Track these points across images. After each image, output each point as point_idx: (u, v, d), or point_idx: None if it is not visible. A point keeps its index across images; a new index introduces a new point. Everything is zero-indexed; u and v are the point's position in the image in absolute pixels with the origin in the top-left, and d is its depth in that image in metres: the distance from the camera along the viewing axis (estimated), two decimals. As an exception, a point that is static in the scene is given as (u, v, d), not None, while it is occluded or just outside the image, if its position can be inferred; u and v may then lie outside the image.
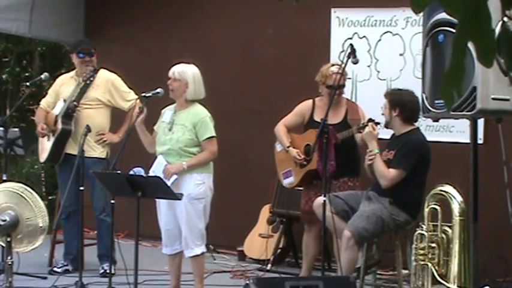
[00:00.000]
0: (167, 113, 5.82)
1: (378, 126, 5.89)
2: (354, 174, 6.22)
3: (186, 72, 5.74)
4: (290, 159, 6.37)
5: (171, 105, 5.86)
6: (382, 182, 5.71)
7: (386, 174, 5.69)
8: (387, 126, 5.90)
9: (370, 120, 5.87)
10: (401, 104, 5.75)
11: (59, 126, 6.59)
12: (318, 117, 6.23)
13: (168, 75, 5.76)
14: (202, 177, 5.69)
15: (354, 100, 6.87)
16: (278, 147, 6.53)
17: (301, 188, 6.46)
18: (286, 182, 6.49)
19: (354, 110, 6.29)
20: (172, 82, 5.74)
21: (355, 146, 6.17)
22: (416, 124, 5.86)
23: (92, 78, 6.65)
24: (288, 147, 6.34)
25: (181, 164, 5.63)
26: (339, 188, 6.07)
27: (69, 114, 6.61)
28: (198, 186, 5.67)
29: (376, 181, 5.84)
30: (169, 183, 5.49)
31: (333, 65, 6.33)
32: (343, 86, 6.28)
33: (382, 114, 5.87)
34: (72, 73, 6.87)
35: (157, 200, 5.75)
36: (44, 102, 6.91)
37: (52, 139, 6.66)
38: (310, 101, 6.40)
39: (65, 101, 6.66)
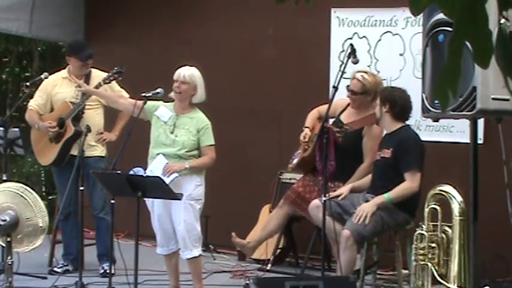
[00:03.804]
0: (165, 111, 5.79)
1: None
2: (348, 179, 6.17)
3: (195, 76, 5.74)
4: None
5: (168, 103, 5.85)
6: (413, 191, 5.61)
7: (409, 185, 5.60)
8: (378, 123, 5.86)
9: None
10: (391, 99, 5.72)
11: (71, 128, 6.56)
12: (342, 118, 6.26)
13: (175, 78, 5.73)
14: (201, 179, 5.72)
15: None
16: None
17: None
18: (293, 163, 6.45)
19: (365, 121, 6.11)
20: (181, 85, 5.71)
21: (355, 152, 6.12)
22: (407, 122, 5.82)
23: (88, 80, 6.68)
24: (306, 127, 6.36)
25: (183, 164, 5.63)
26: (332, 191, 5.91)
27: (78, 116, 6.62)
28: (198, 188, 5.69)
29: (372, 183, 5.83)
30: (168, 180, 5.48)
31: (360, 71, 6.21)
32: (362, 93, 6.10)
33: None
34: (64, 74, 6.82)
35: (148, 200, 5.72)
36: (34, 105, 6.74)
37: (61, 142, 6.61)
38: (348, 101, 6.29)
39: (71, 103, 6.62)
